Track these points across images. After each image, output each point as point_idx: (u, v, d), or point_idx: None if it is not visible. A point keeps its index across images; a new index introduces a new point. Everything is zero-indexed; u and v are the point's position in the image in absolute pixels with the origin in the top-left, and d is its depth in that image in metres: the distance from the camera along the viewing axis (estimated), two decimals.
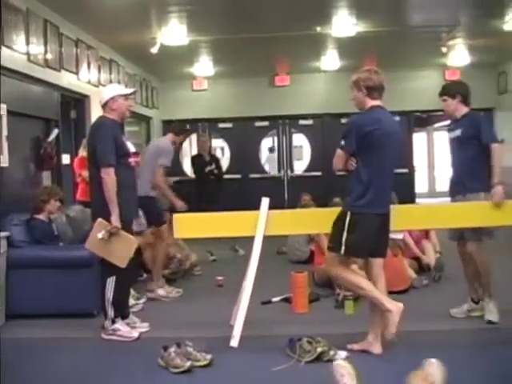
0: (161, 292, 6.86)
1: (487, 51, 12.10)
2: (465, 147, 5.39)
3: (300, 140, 14.62)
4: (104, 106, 5.38)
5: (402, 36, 10.61)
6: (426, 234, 7.95)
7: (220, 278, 7.37)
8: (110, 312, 5.26)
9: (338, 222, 4.57)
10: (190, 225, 5.49)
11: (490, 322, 5.30)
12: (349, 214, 4.50)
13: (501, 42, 11.15)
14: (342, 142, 4.54)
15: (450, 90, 5.65)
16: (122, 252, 5.17)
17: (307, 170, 14.11)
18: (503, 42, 11.15)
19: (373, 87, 4.53)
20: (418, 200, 14.03)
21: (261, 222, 5.11)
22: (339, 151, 4.57)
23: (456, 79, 5.27)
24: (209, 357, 4.50)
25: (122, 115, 5.44)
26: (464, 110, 5.56)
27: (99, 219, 5.14)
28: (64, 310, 5.88)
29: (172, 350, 4.49)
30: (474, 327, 5.32)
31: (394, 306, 4.48)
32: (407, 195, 12.58)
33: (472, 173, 5.33)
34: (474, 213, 5.34)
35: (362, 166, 4.48)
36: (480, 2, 8.77)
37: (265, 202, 5.17)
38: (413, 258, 7.69)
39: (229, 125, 14.43)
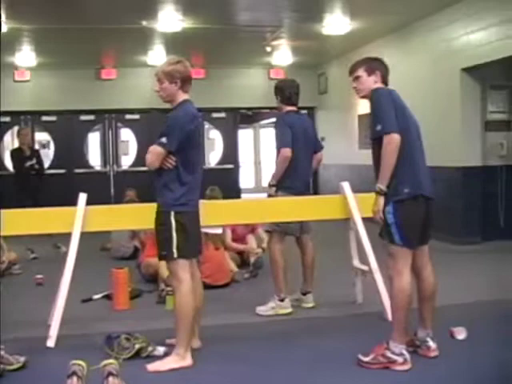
0: None
1: (308, 53, 12.65)
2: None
3: (127, 135, 14.43)
4: None
5: (229, 34, 10.81)
6: (251, 228, 8.10)
7: (39, 276, 7.12)
8: None
9: (162, 226, 4.34)
10: (4, 221, 5.24)
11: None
12: (172, 214, 4.29)
13: (320, 45, 11.71)
14: (164, 140, 4.24)
15: (275, 89, 5.97)
16: None
17: (134, 165, 13.96)
18: (322, 45, 11.72)
19: (187, 80, 4.41)
20: (243, 195, 14.35)
21: (78, 218, 5.02)
22: (158, 149, 4.27)
23: (283, 78, 5.48)
24: (22, 359, 4.32)
25: None
26: (285, 109, 5.90)
27: None
28: None
29: None
30: (285, 318, 5.57)
31: (184, 359, 4.31)
32: (232, 190, 12.84)
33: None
34: (297, 207, 5.69)
35: (182, 165, 4.30)
36: (301, 5, 9.14)
37: (82, 197, 5.08)
38: (237, 253, 7.85)
39: (53, 118, 13.97)
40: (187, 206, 4.35)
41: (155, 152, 4.31)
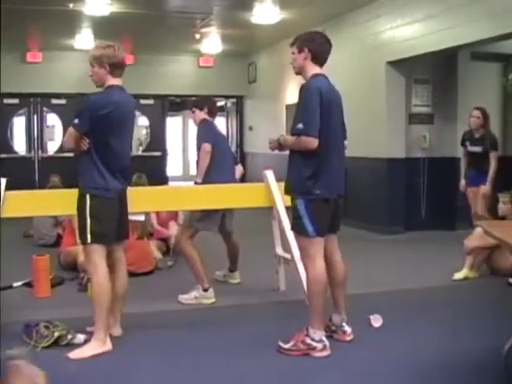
0: None
1: (238, 41, 12.64)
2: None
3: (53, 120, 14.13)
4: None
5: (158, 20, 10.71)
6: (175, 214, 8.07)
7: None
8: None
9: (78, 210, 4.34)
10: None
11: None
12: (88, 197, 4.28)
13: (250, 34, 11.72)
14: (76, 121, 4.25)
15: (197, 103, 6.28)
16: None
17: (59, 150, 13.66)
18: (252, 34, 11.73)
19: (116, 65, 4.35)
20: (171, 183, 14.26)
21: None
22: (71, 130, 4.29)
23: (205, 95, 6.03)
24: None
25: None
26: (203, 117, 6.16)
27: None
28: None
29: None
30: (207, 306, 5.60)
31: (104, 343, 4.30)
32: (159, 177, 12.77)
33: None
34: (221, 195, 5.75)
35: (94, 147, 4.28)
36: None
37: (1, 182, 4.95)
38: (161, 240, 7.80)
39: None
40: (103, 191, 4.31)
41: (68, 132, 4.36)
